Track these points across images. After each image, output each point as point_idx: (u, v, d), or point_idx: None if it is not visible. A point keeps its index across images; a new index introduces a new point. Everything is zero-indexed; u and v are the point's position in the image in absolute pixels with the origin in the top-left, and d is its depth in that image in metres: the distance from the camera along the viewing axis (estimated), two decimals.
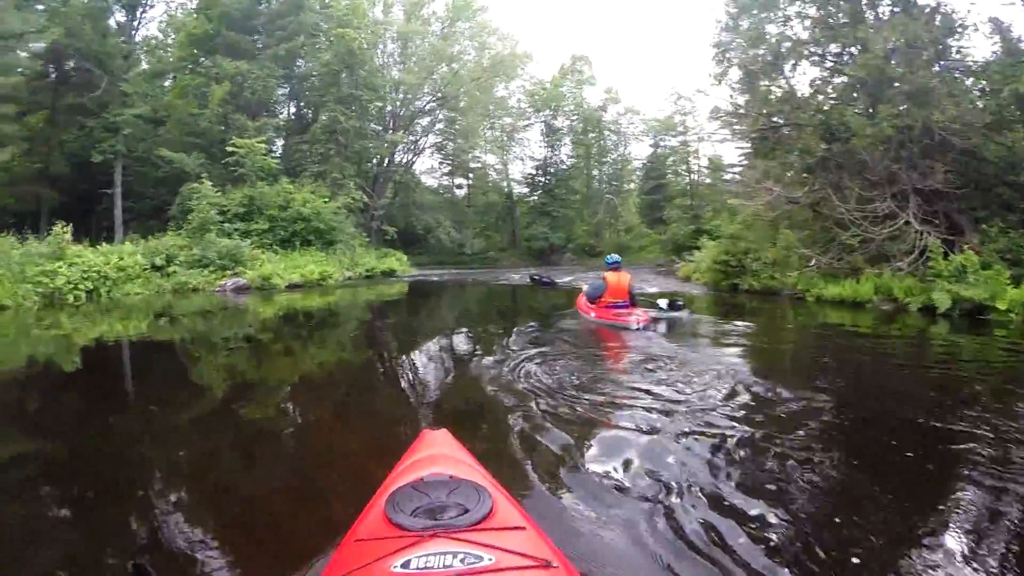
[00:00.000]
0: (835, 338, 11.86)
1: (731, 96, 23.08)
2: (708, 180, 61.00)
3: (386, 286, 28.50)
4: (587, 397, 6.44)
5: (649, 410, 5.92)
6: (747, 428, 5.40)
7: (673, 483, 4.21)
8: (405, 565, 1.94)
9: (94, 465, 5.22)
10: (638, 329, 10.74)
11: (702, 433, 5.26)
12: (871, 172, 17.45)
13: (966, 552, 3.32)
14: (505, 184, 62.69)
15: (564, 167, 61.68)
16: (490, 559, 1.96)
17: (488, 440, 5.45)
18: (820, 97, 19.71)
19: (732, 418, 5.69)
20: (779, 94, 21.47)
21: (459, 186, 62.76)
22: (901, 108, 16.76)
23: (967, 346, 10.67)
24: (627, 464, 4.63)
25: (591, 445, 5.07)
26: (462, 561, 1.94)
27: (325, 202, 31.23)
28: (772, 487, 4.20)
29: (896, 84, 17.34)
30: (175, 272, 22.56)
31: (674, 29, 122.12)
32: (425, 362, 9.71)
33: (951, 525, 3.68)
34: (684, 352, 9.09)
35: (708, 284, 23.81)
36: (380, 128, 42.96)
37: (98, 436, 6.12)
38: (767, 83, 21.62)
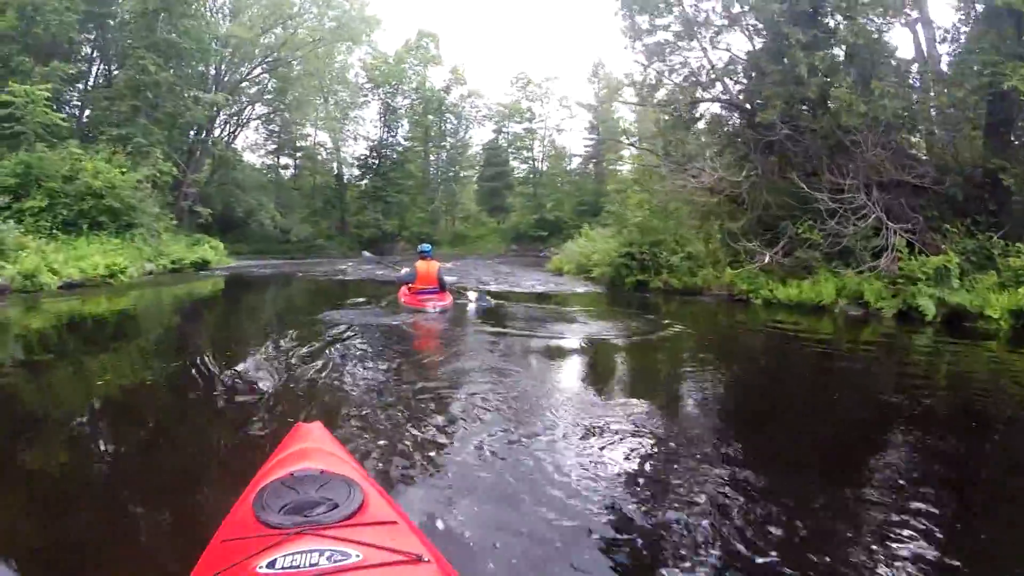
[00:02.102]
0: (793, 344, 11.33)
1: (643, 63, 20.44)
2: (549, 166, 59.09)
3: (198, 282, 22.95)
4: (454, 391, 6.70)
5: (515, 403, 6.25)
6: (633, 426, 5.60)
7: (542, 475, 4.31)
8: (271, 565, 1.87)
9: None
10: (435, 312, 12.17)
11: (579, 425, 5.58)
12: (844, 158, 15.42)
13: None
14: (335, 165, 57.29)
15: (400, 149, 57.18)
16: (358, 556, 1.90)
17: (362, 435, 5.20)
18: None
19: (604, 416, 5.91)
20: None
21: (285, 166, 56.59)
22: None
23: (970, 360, 9.81)
24: (498, 457, 4.72)
25: (463, 439, 5.14)
26: (328, 559, 1.88)
27: (123, 173, 24.29)
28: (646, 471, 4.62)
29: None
30: None
31: (525, 11, 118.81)
32: (271, 363, 8.51)
33: None
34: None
35: (599, 280, 21.07)
36: (201, 90, 35.22)
37: None
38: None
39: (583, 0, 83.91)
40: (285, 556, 1.89)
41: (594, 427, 5.43)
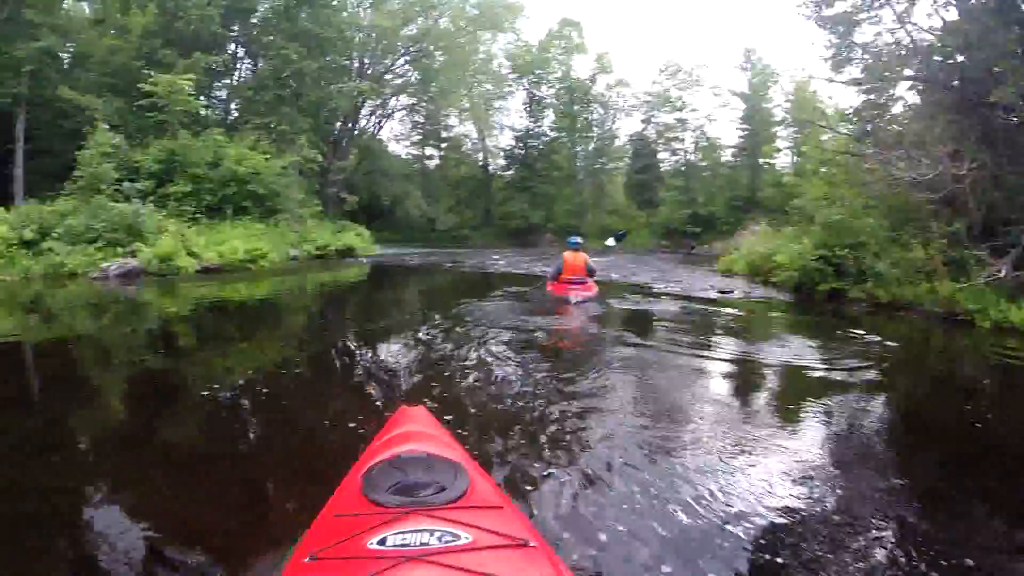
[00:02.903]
0: None
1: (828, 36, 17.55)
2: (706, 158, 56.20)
3: (341, 269, 22.35)
4: (570, 384, 6.41)
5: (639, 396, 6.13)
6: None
7: (666, 485, 4.00)
8: (382, 542, 1.91)
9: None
10: (576, 300, 11.92)
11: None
12: None
13: None
14: (481, 156, 56.70)
15: (546, 140, 55.69)
16: (467, 537, 1.93)
17: (466, 419, 5.17)
18: None
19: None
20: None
21: (430, 157, 56.52)
22: None
23: None
24: (609, 447, 4.59)
25: (574, 427, 5.05)
26: (439, 539, 1.91)
27: (267, 159, 24.32)
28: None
29: None
30: (49, 250, 16.16)
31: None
32: (397, 348, 8.64)
33: None
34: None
35: (781, 286, 18.19)
36: (345, 79, 34.95)
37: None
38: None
39: None
40: (395, 534, 1.92)
41: (750, 449, 4.73)
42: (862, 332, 11.04)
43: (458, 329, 9.38)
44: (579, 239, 13.70)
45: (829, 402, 6.22)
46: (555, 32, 54.80)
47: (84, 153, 19.42)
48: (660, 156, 57.02)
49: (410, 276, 21.79)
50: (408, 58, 40.87)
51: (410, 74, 43.38)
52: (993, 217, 13.66)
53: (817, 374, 7.57)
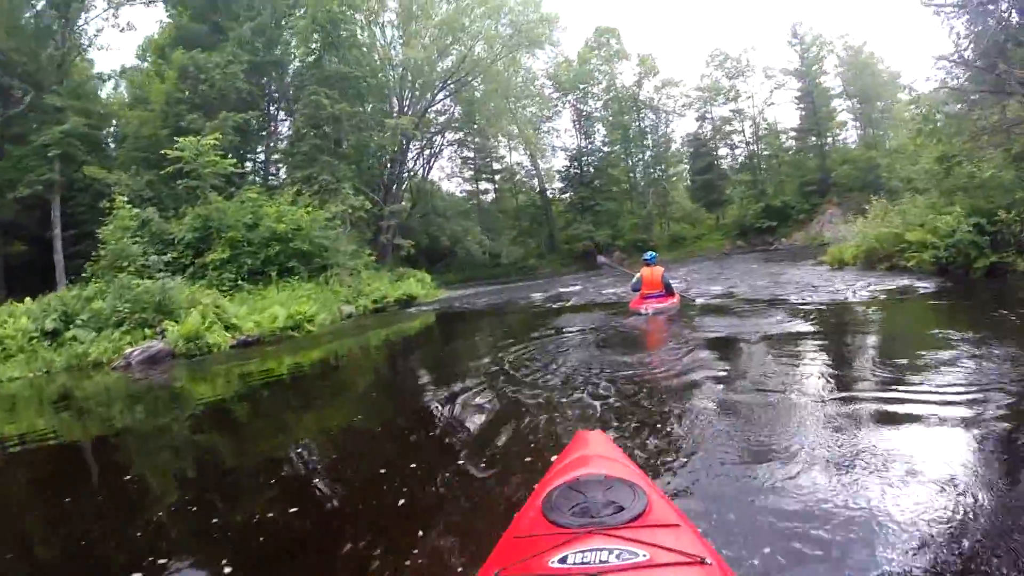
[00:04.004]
0: None
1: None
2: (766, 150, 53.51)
3: (403, 322, 19.77)
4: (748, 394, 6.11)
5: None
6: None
7: (829, 485, 3.86)
8: (562, 560, 1.95)
9: None
10: (647, 313, 12.18)
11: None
12: None
13: None
14: (536, 182, 54.60)
15: (601, 155, 53.65)
16: (645, 555, 1.93)
17: (642, 440, 5.12)
18: None
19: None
20: None
21: (484, 191, 54.88)
22: None
23: None
24: (789, 466, 4.25)
25: (751, 443, 4.78)
26: (618, 557, 1.91)
27: (308, 212, 22.31)
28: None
29: None
30: (73, 339, 14.27)
31: None
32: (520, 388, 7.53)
33: None
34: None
35: (916, 270, 15.24)
36: (384, 120, 32.30)
37: None
38: None
39: None
40: (575, 553, 1.94)
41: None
42: None
43: (559, 361, 8.68)
44: (653, 254, 14.05)
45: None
46: (592, 42, 52.96)
47: (106, 230, 17.89)
48: (720, 152, 55.31)
49: (480, 321, 18.64)
50: (448, 92, 38.78)
51: (452, 108, 41.68)
52: None
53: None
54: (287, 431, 7.36)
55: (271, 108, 31.88)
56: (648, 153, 56.71)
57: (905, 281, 14.19)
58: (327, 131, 27.40)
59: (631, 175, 55.88)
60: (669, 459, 4.64)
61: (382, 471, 5.23)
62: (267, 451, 6.55)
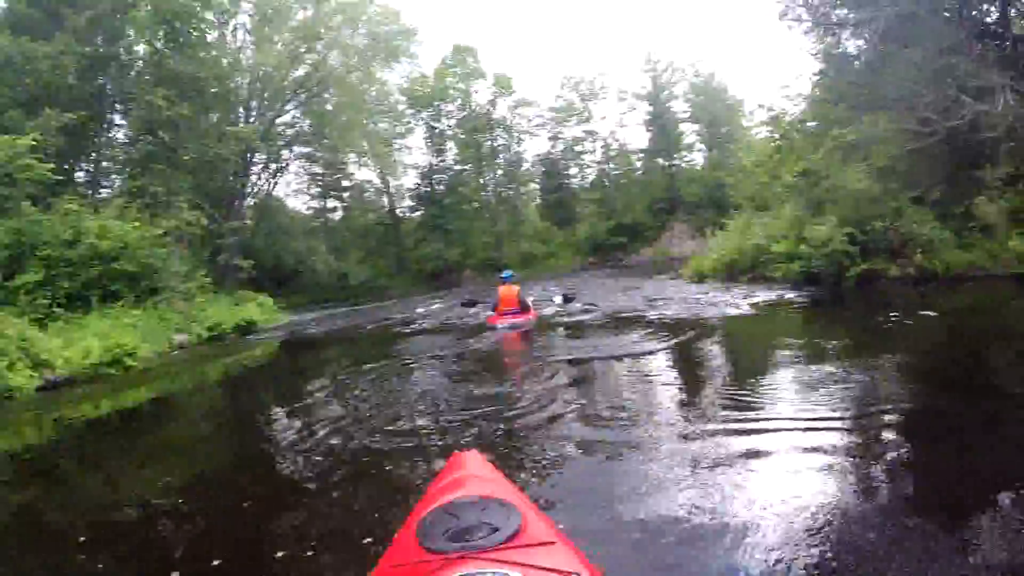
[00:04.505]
0: None
1: None
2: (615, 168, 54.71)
3: (241, 352, 17.70)
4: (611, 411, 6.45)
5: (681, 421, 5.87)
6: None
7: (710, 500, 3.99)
8: None
9: None
10: (502, 328, 12.91)
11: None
12: None
13: None
14: (386, 200, 52.77)
15: (452, 173, 52.73)
16: None
17: (517, 457, 5.28)
18: None
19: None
20: None
21: (332, 209, 52.07)
22: None
23: None
24: (650, 470, 4.60)
25: (621, 458, 5.06)
26: None
27: (136, 228, 19.36)
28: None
29: None
30: None
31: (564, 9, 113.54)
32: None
33: None
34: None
35: (782, 280, 16.06)
36: (227, 128, 29.10)
37: None
38: None
39: None
40: None
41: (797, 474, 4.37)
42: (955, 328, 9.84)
43: (425, 384, 8.97)
44: (509, 272, 15.05)
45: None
46: (450, 59, 51.90)
47: None
48: (571, 172, 56.72)
49: (331, 349, 17.09)
50: (298, 103, 36.27)
51: (302, 122, 39.05)
52: None
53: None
54: (117, 488, 6.35)
55: (106, 110, 28.09)
56: (499, 172, 56.22)
57: (775, 292, 15.25)
58: (164, 137, 24.49)
59: (483, 194, 55.22)
60: (545, 475, 4.80)
61: (243, 512, 5.03)
62: (95, 513, 5.62)
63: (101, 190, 26.51)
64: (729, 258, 19.26)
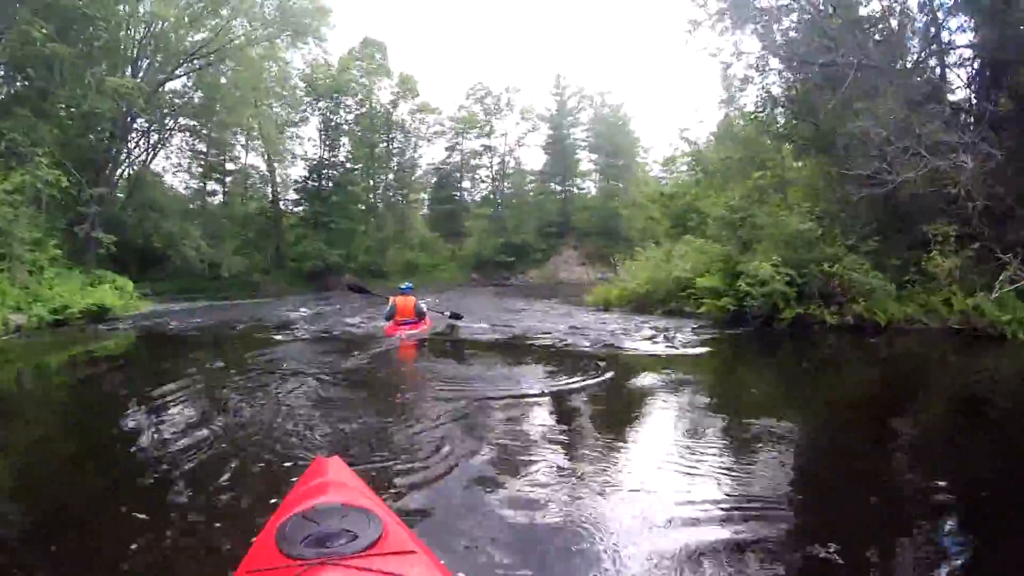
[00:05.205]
0: None
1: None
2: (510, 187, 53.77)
3: (91, 344, 14.65)
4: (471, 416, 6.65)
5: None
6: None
7: (573, 520, 3.99)
8: None
9: None
10: (403, 337, 13.07)
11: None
12: None
13: None
14: (270, 190, 48.69)
15: (343, 170, 49.38)
16: None
17: (380, 465, 5.12)
18: None
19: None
20: None
21: (212, 192, 47.81)
22: None
23: None
24: (515, 484, 4.64)
25: (483, 467, 5.05)
26: None
27: None
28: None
29: None
30: None
31: (479, 20, 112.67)
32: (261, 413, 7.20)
33: None
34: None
35: (704, 315, 15.33)
36: (108, 79, 24.47)
37: None
38: None
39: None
40: None
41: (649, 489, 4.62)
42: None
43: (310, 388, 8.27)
44: (410, 285, 15.11)
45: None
46: (357, 52, 48.87)
47: None
48: (464, 185, 56.32)
49: (195, 350, 14.23)
50: (190, 69, 31.93)
51: (192, 92, 34.86)
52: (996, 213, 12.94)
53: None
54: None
55: None
56: (391, 176, 53.92)
57: (698, 328, 14.06)
58: (32, 74, 20.66)
59: (371, 196, 52.72)
60: (408, 485, 4.66)
61: (87, 518, 4.48)
62: None
63: None
64: (644, 288, 18.20)
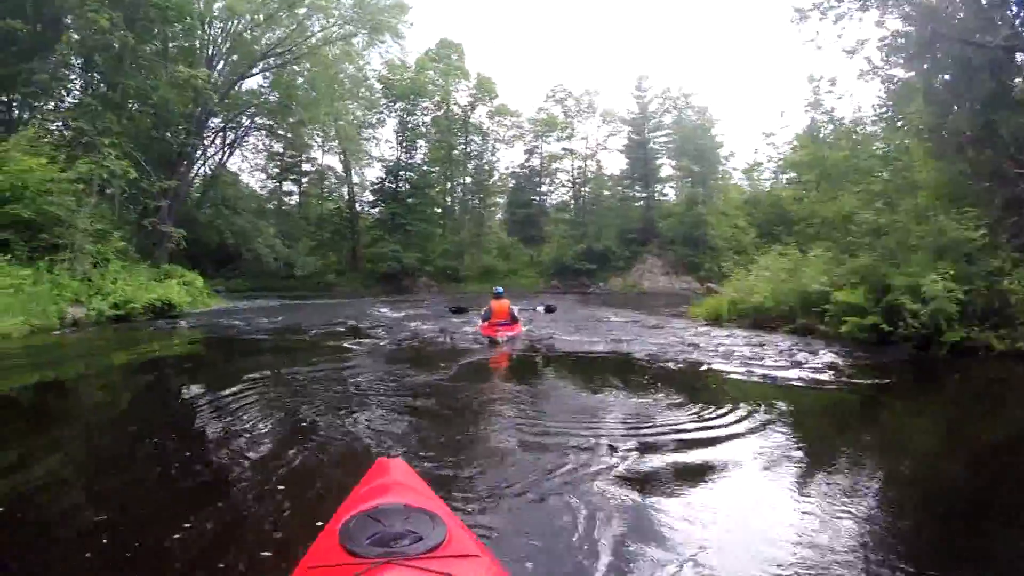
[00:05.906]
0: None
1: None
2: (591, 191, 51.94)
3: (142, 344, 13.29)
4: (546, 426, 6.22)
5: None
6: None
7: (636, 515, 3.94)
8: None
9: None
10: (502, 340, 12.79)
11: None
12: None
13: None
14: (346, 191, 48.28)
15: (420, 173, 48.55)
16: None
17: (444, 470, 4.83)
18: None
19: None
20: None
21: (288, 193, 47.84)
22: None
23: None
24: (583, 492, 4.31)
25: (550, 475, 4.70)
26: None
27: (42, 166, 15.13)
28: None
29: None
30: None
31: (560, 22, 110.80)
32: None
33: None
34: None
35: (845, 336, 12.30)
36: (179, 69, 23.36)
37: None
38: None
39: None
40: None
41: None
42: None
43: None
44: (501, 288, 14.99)
45: None
46: (434, 53, 48.01)
47: None
48: (543, 189, 54.08)
49: (265, 355, 12.66)
50: (267, 67, 31.34)
51: (268, 92, 34.26)
52: None
53: None
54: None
55: (48, 27, 22.75)
56: (469, 179, 53.05)
57: (844, 352, 11.07)
58: (99, 63, 20.09)
59: (448, 199, 52.01)
60: (472, 490, 4.44)
61: (155, 513, 4.22)
62: None
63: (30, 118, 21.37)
64: (768, 302, 15.50)
